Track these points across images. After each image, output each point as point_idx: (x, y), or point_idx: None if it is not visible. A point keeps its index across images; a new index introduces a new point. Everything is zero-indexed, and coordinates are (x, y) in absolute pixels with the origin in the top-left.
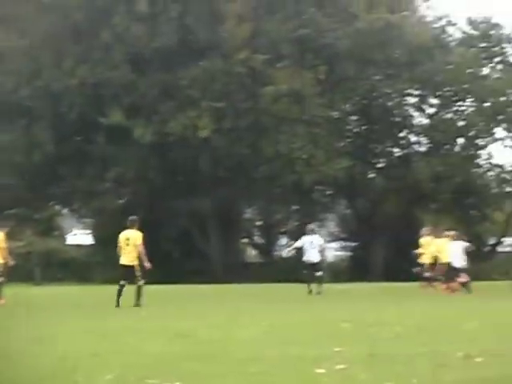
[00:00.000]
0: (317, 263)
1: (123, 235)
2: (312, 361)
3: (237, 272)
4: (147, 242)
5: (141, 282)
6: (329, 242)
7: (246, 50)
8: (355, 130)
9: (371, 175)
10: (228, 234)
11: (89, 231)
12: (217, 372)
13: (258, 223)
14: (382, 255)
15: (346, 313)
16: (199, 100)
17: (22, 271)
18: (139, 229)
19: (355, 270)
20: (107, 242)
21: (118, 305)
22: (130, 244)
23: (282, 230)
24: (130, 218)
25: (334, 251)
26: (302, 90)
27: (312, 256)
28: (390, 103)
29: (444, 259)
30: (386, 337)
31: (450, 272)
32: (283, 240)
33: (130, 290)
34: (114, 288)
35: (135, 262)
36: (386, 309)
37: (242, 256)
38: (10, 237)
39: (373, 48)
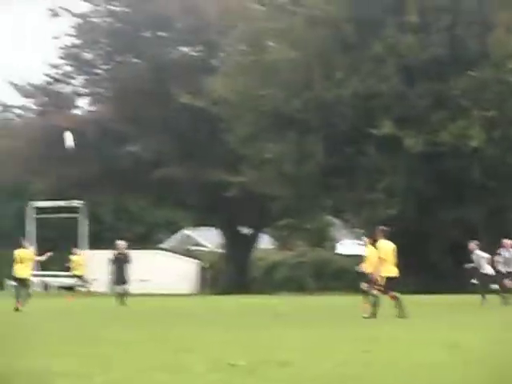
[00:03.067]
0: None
1: (389, 246)
2: None
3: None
4: (415, 252)
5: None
6: None
7: None
8: None
9: None
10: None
11: (360, 241)
12: None
13: None
14: None
15: None
16: (470, 109)
17: (294, 281)
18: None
19: None
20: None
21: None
22: (393, 255)
23: None
24: (383, 228)
25: None
26: None
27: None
28: None
29: None
30: None
31: None
32: None
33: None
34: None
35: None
36: None
37: None
38: (281, 247)
39: None
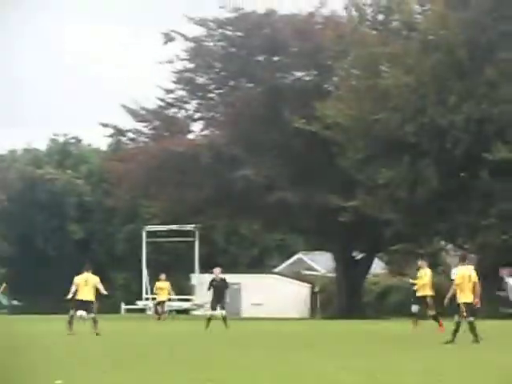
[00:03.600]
0: None
1: (466, 271)
2: None
3: None
4: None
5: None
6: None
7: None
8: None
9: None
10: None
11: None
12: None
13: None
14: None
15: None
16: None
17: (407, 306)
18: None
19: None
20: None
21: None
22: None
23: None
24: (463, 253)
25: None
26: None
27: None
28: None
29: None
30: None
31: None
32: None
33: None
34: None
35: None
36: None
37: None
38: (392, 272)
39: None
